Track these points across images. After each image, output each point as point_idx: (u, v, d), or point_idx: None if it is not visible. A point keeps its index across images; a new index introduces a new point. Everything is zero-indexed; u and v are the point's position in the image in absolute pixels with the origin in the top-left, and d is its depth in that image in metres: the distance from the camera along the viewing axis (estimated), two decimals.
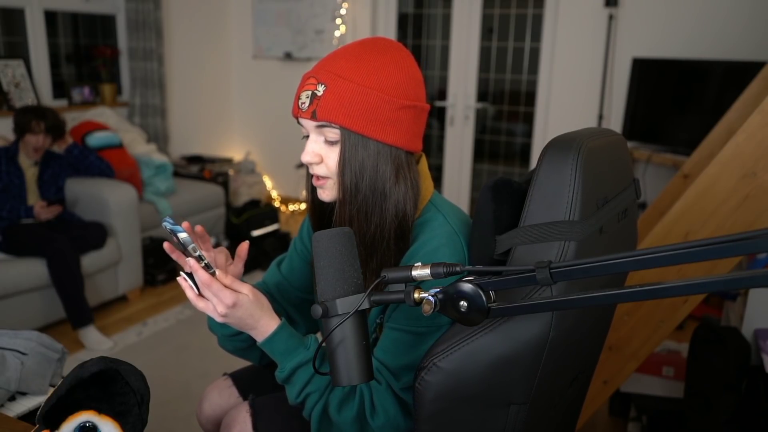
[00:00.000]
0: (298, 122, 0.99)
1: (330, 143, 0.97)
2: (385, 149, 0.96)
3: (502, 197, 0.93)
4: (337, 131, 0.95)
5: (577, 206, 0.83)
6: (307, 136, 0.99)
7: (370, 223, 0.97)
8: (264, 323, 0.94)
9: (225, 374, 1.31)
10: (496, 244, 0.90)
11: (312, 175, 1.03)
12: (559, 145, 0.86)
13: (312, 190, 1.07)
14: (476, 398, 0.88)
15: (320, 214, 1.11)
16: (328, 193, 1.01)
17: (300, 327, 1.24)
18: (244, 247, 1.04)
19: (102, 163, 3.19)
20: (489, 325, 0.83)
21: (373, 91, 0.93)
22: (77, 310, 2.71)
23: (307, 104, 0.95)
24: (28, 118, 2.84)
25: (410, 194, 0.98)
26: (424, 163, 1.06)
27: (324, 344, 0.79)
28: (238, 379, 1.29)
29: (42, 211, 2.84)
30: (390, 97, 0.94)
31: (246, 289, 0.92)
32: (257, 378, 1.29)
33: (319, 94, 0.93)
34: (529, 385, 0.87)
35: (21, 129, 2.85)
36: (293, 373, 0.95)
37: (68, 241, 2.75)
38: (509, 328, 0.82)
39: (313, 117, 0.94)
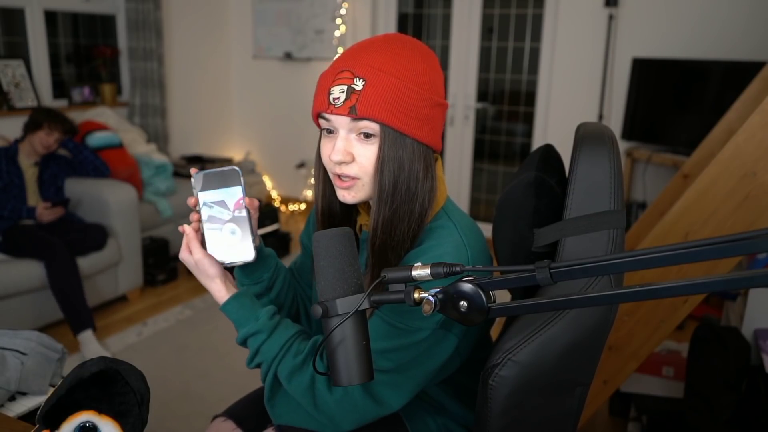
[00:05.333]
0: (320, 118, 0.95)
1: (364, 141, 0.92)
2: (419, 147, 0.93)
3: (542, 192, 0.95)
4: (376, 127, 0.90)
5: (618, 196, 0.87)
6: (330, 131, 0.95)
7: (401, 224, 0.95)
8: (214, 290, 0.98)
9: (218, 415, 1.20)
10: (536, 237, 0.91)
11: (325, 176, 1.00)
12: (593, 138, 0.91)
13: (324, 192, 1.04)
14: (548, 386, 0.90)
15: (330, 216, 1.06)
16: (354, 194, 0.96)
17: (313, 324, 1.23)
18: (254, 203, 1.01)
19: (97, 159, 3.20)
20: (557, 316, 0.86)
21: (414, 87, 0.90)
22: (75, 315, 2.70)
23: (342, 99, 0.89)
24: (49, 117, 2.87)
25: (431, 196, 0.97)
26: (440, 168, 1.03)
27: (323, 343, 0.79)
28: (239, 417, 1.19)
29: (44, 212, 2.84)
30: (427, 94, 0.92)
31: (197, 255, 0.95)
32: (256, 411, 1.20)
33: (358, 88, 0.89)
34: (594, 366, 0.92)
35: (37, 125, 2.85)
36: (245, 341, 0.98)
37: (66, 245, 2.75)
38: (576, 315, 0.85)
39: (351, 113, 0.89)
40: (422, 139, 0.93)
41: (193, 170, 0.95)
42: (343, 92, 0.89)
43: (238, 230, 0.95)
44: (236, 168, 0.94)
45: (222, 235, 0.95)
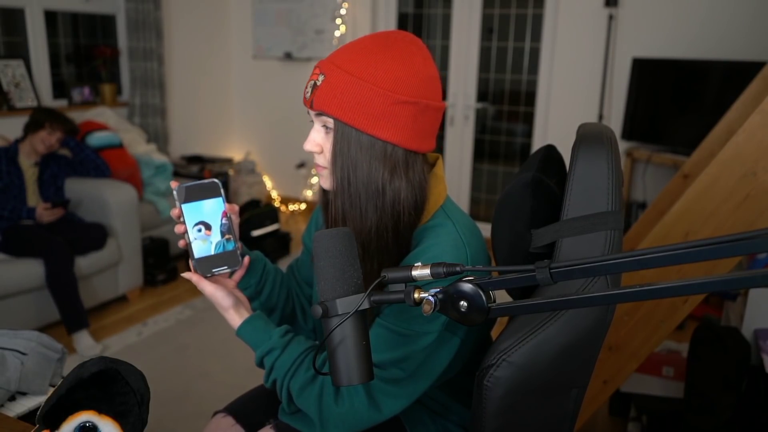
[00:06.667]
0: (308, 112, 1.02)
1: (327, 133, 0.97)
2: (378, 144, 0.94)
3: (540, 192, 0.95)
4: (332, 121, 0.95)
5: (616, 197, 0.87)
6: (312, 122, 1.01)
7: (366, 219, 0.96)
8: (228, 319, 1.02)
9: (219, 412, 1.23)
10: (533, 238, 0.91)
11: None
12: (591, 139, 0.90)
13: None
14: (543, 388, 0.90)
15: (328, 208, 1.10)
16: (324, 181, 1.02)
17: (308, 321, 1.24)
18: (234, 208, 1.05)
19: (98, 158, 3.20)
20: (552, 317, 0.85)
21: (366, 84, 0.92)
22: (72, 314, 2.70)
23: (308, 93, 0.96)
24: (51, 117, 2.88)
25: (410, 195, 0.96)
26: (439, 166, 1.04)
27: (323, 344, 0.79)
28: (239, 414, 1.21)
29: (44, 213, 2.84)
30: (384, 91, 0.92)
31: (208, 290, 0.99)
32: (256, 407, 1.23)
33: (318, 84, 0.94)
34: (590, 368, 0.91)
35: (38, 125, 2.85)
36: (261, 361, 1.01)
37: (65, 243, 2.75)
38: (571, 317, 0.85)
39: (311, 106, 0.96)
40: (381, 136, 0.93)
41: (173, 183, 0.98)
42: (311, 87, 0.96)
43: (222, 239, 0.98)
44: (216, 180, 0.99)
45: (207, 244, 0.97)
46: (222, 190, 0.99)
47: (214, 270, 0.97)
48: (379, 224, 0.96)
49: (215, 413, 1.23)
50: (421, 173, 0.98)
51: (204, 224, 0.97)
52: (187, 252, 0.98)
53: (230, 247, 0.98)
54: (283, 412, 1.07)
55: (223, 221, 0.98)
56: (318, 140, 0.98)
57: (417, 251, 0.96)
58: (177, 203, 0.96)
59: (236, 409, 1.22)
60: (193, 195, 0.96)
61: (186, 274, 0.99)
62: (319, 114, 0.96)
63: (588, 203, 0.88)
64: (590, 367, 0.91)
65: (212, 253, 0.97)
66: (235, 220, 1.03)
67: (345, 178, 0.96)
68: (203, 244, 0.97)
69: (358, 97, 0.92)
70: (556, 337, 0.85)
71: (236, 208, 1.04)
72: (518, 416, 0.91)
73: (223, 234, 0.98)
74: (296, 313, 1.24)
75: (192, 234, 0.96)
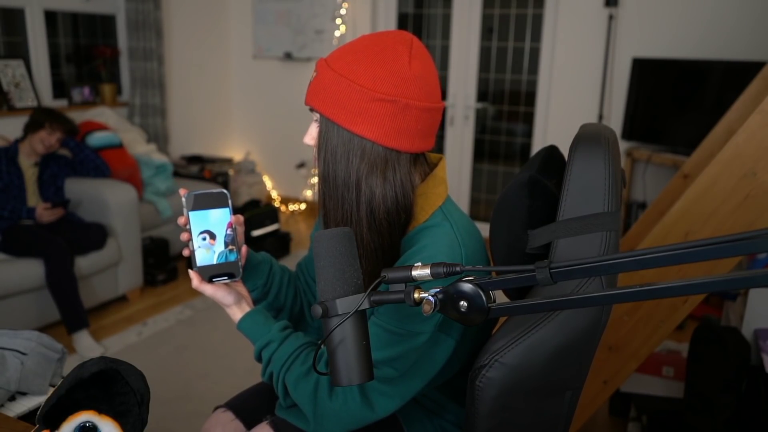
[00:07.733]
0: None
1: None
2: (356, 140, 0.95)
3: (537, 193, 0.95)
4: (317, 115, 0.99)
5: (613, 198, 0.86)
6: None
7: (346, 213, 0.98)
8: (230, 315, 1.05)
9: (219, 407, 1.25)
10: (530, 239, 0.91)
11: None
12: (589, 139, 0.90)
13: None
14: (537, 389, 0.89)
15: None
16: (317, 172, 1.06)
17: (315, 319, 1.24)
18: (239, 219, 1.07)
19: (98, 158, 3.20)
20: (546, 318, 0.85)
21: (345, 80, 0.94)
22: (72, 314, 2.71)
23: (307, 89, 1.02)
24: (51, 117, 2.88)
25: (388, 193, 0.96)
26: (442, 168, 1.04)
27: (323, 344, 0.79)
28: (239, 409, 1.23)
29: (44, 213, 2.84)
30: (361, 88, 0.93)
31: (208, 292, 1.00)
32: (255, 404, 1.25)
33: (311, 80, 0.99)
34: (585, 370, 0.90)
35: (38, 125, 2.85)
36: (259, 353, 1.03)
37: (65, 243, 2.75)
38: (566, 318, 0.85)
39: (305, 101, 1.01)
40: (358, 132, 0.95)
41: (182, 191, 0.99)
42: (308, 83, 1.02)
43: (226, 249, 1.00)
44: (225, 191, 1.00)
45: (210, 253, 0.99)
46: (230, 201, 1.00)
47: (214, 279, 0.99)
48: (359, 221, 0.97)
49: (216, 408, 1.25)
50: (406, 174, 0.98)
51: (209, 233, 0.98)
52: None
53: (232, 257, 1.00)
54: (280, 408, 1.09)
55: (228, 232, 0.99)
56: (314, 134, 1.02)
57: (412, 251, 0.97)
58: (185, 210, 0.97)
59: (236, 405, 1.24)
60: (201, 203, 0.98)
61: (191, 272, 1.00)
62: (312, 109, 0.99)
63: (584, 204, 0.87)
64: (585, 369, 0.91)
65: (214, 262, 0.99)
66: (240, 230, 1.04)
67: (326, 170, 0.99)
68: (206, 253, 0.98)
69: (338, 93, 0.94)
70: (550, 338, 0.85)
71: (241, 219, 1.06)
72: (512, 417, 0.90)
73: (226, 244, 0.99)
74: (304, 313, 1.26)
75: (196, 242, 0.97)
